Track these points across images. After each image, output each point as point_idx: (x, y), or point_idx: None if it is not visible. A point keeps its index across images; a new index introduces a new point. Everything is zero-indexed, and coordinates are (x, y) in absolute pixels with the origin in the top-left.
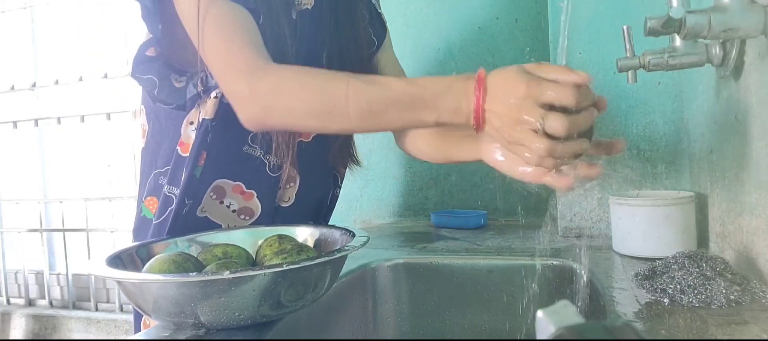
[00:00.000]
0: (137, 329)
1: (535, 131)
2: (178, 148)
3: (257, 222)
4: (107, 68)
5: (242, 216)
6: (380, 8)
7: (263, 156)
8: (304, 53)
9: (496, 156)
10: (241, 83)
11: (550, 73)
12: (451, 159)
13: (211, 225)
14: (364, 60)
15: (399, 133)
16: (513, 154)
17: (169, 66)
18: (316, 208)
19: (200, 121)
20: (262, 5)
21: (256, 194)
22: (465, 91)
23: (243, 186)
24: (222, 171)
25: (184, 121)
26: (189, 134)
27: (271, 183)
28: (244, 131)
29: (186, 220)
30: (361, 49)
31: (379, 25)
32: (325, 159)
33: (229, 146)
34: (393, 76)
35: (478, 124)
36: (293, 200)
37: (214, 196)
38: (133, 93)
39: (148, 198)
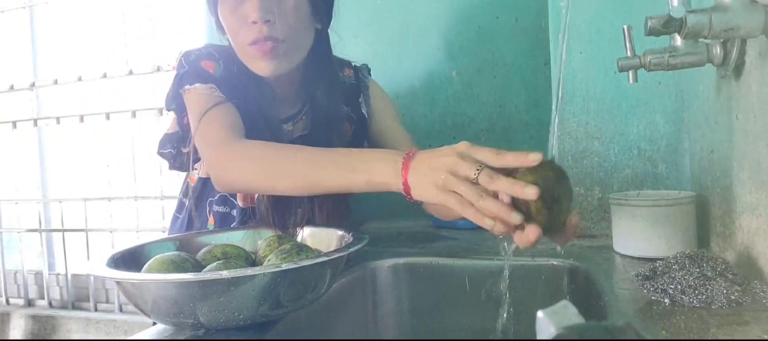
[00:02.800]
0: None
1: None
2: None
3: None
4: (106, 68)
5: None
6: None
7: (230, 211)
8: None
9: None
10: (210, 153)
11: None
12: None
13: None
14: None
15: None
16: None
17: (184, 139)
18: None
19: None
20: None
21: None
22: (399, 158)
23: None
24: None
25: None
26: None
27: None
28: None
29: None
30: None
31: (362, 111)
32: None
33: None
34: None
35: (407, 188)
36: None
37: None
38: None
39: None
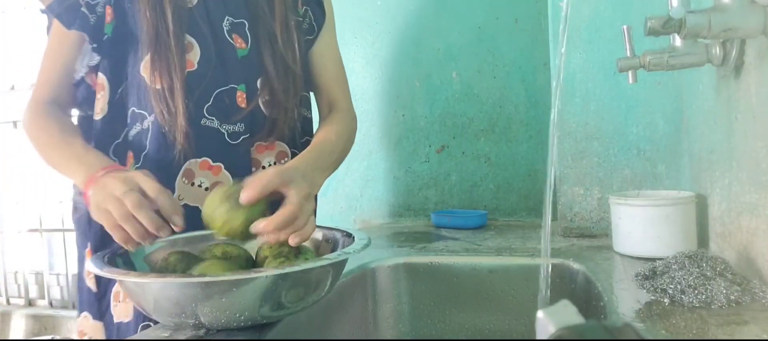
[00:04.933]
0: None
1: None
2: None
3: None
4: None
5: None
6: None
7: (220, 126)
8: (209, 33)
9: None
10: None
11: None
12: None
13: (189, 211)
14: (301, 45)
15: None
16: None
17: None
18: None
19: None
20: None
21: (223, 166)
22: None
23: (209, 160)
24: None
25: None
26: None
27: (237, 154)
28: (201, 104)
29: None
30: (297, 30)
31: (317, 9)
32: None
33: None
34: (328, 72)
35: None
36: None
37: (186, 180)
38: None
39: None
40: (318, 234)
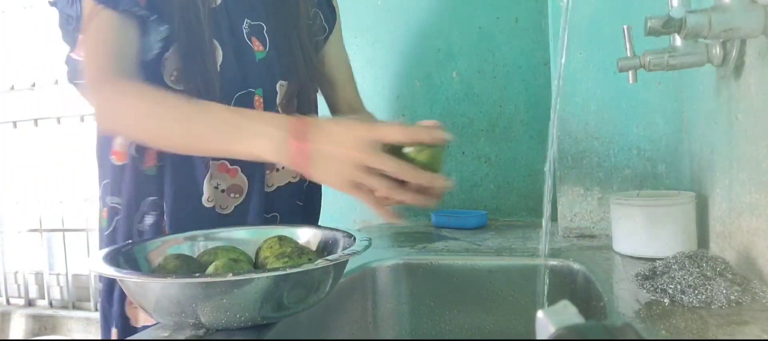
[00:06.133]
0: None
1: (377, 174)
2: (111, 157)
3: (247, 203)
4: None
5: (232, 195)
6: None
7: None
8: (228, 35)
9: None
10: (90, 95)
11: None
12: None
13: (206, 212)
14: (314, 46)
15: None
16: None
17: None
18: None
19: None
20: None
21: (240, 169)
22: (287, 131)
23: (227, 163)
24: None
25: None
26: (118, 140)
27: None
28: None
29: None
30: (309, 32)
31: (328, 10)
32: None
33: None
34: (340, 71)
35: (302, 167)
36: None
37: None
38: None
39: (103, 209)
40: (319, 235)
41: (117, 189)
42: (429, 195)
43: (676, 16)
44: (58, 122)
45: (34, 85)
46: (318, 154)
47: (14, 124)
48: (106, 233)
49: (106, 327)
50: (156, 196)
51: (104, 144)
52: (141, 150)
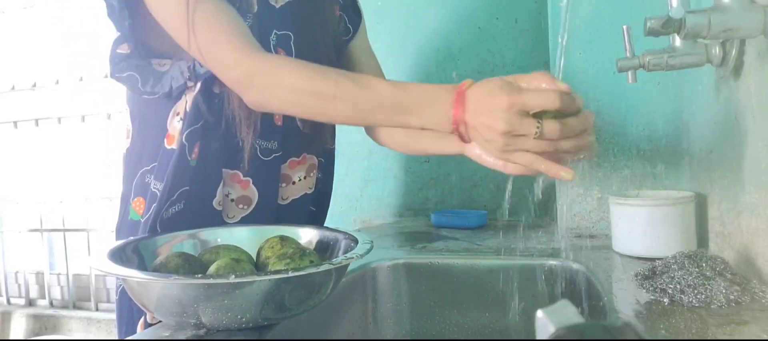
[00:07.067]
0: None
1: (532, 137)
2: (164, 141)
3: (254, 216)
4: (107, 68)
5: (241, 206)
6: None
7: (255, 141)
8: (266, 43)
9: (478, 150)
10: (236, 70)
11: (531, 82)
12: (430, 151)
13: (217, 215)
14: (338, 49)
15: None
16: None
17: (148, 54)
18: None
19: (186, 111)
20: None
21: (251, 181)
22: (450, 103)
23: (240, 174)
24: (222, 159)
25: (170, 114)
26: (175, 126)
27: (267, 170)
28: (234, 119)
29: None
30: (333, 37)
31: (353, 12)
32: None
33: (225, 133)
34: (368, 67)
35: (461, 136)
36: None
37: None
38: (110, 95)
39: (136, 199)
40: (320, 235)
41: (161, 174)
42: (582, 145)
43: (676, 16)
44: (59, 122)
45: (34, 85)
46: (474, 125)
47: (15, 124)
48: (143, 221)
49: (130, 321)
50: (188, 187)
51: (156, 128)
52: (191, 138)
